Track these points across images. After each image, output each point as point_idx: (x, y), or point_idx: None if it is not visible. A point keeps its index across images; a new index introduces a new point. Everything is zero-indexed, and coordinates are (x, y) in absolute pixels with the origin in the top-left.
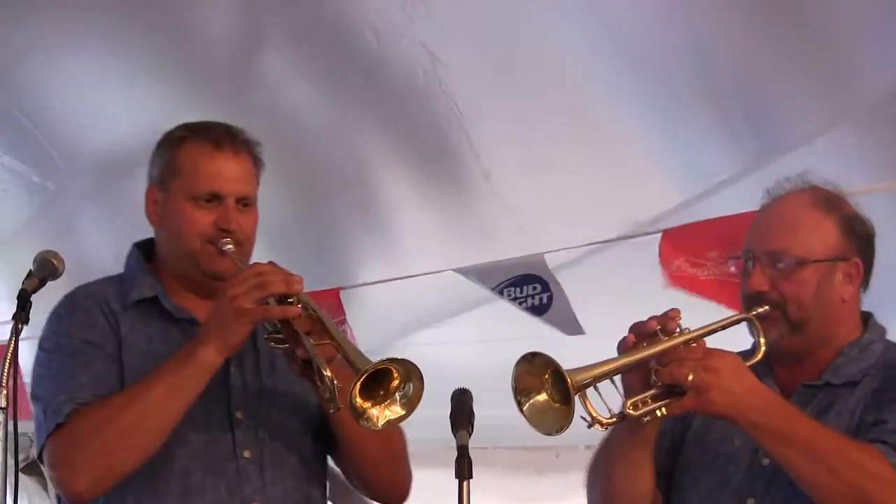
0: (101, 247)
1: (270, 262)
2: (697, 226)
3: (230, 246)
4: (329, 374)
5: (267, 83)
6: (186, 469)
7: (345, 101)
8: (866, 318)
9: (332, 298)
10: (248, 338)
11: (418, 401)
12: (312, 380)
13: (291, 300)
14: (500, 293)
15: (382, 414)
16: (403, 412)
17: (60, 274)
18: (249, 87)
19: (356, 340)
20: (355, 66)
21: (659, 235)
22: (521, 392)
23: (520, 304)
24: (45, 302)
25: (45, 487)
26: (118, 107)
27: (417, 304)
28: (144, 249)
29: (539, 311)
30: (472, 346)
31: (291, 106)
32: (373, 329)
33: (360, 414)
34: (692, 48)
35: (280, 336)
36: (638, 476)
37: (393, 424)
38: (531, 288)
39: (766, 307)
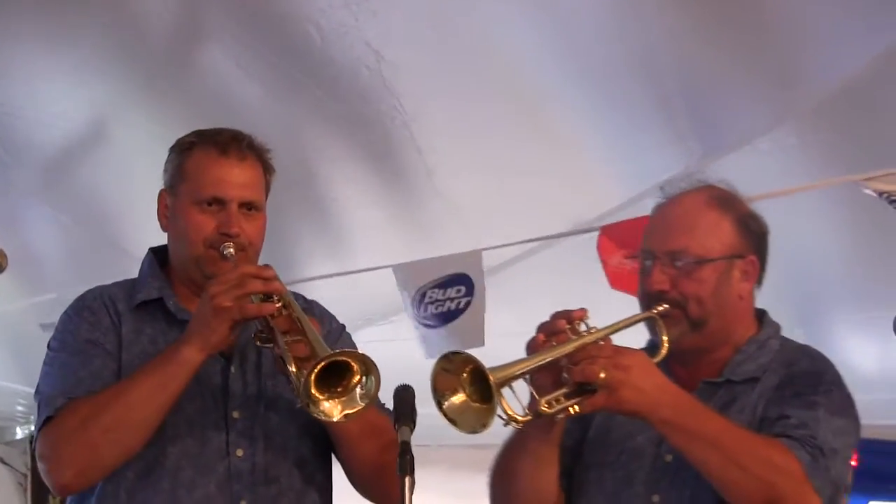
0: (47, 241)
1: (266, 265)
2: (636, 222)
3: (231, 250)
4: (294, 368)
5: (211, 79)
6: (178, 466)
7: (289, 98)
8: (760, 315)
9: None
10: (252, 339)
11: (376, 395)
12: (287, 376)
13: (272, 299)
14: (423, 296)
15: (338, 407)
16: (362, 405)
17: (3, 269)
18: (193, 82)
19: None
20: (299, 63)
21: (597, 233)
22: (439, 392)
23: (437, 307)
24: None
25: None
26: (62, 101)
27: (362, 302)
28: (160, 254)
29: (450, 317)
30: (416, 344)
31: (235, 102)
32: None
33: (313, 403)
34: (637, 48)
35: (265, 335)
36: (544, 474)
37: (351, 417)
38: (455, 290)
39: (666, 306)
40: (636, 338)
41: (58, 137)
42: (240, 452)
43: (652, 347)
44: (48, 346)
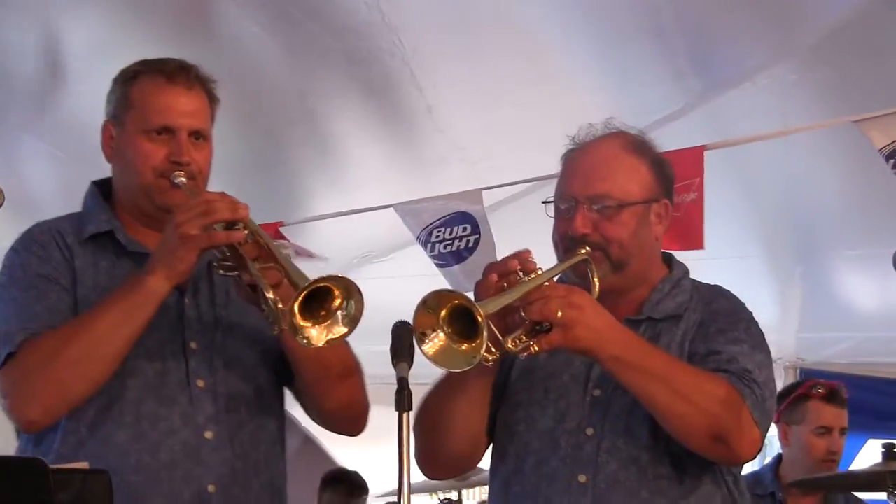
0: (42, 177)
1: (221, 193)
2: None
3: (182, 179)
4: (272, 295)
5: (208, 17)
6: (139, 398)
7: (288, 35)
8: (667, 257)
9: (273, 233)
10: (204, 270)
11: (359, 318)
12: (258, 304)
13: (238, 226)
14: (429, 234)
15: (324, 333)
16: (346, 330)
17: (0, 205)
18: (193, 21)
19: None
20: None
21: None
22: (420, 332)
23: (445, 246)
24: None
25: None
26: (56, 35)
27: (363, 239)
28: (103, 187)
29: (463, 255)
30: (418, 281)
31: (235, 40)
32: (318, 263)
33: (299, 332)
34: None
35: (229, 263)
36: (478, 415)
37: (335, 343)
38: (461, 229)
39: (588, 249)
40: None
41: (54, 72)
42: (201, 383)
43: (587, 290)
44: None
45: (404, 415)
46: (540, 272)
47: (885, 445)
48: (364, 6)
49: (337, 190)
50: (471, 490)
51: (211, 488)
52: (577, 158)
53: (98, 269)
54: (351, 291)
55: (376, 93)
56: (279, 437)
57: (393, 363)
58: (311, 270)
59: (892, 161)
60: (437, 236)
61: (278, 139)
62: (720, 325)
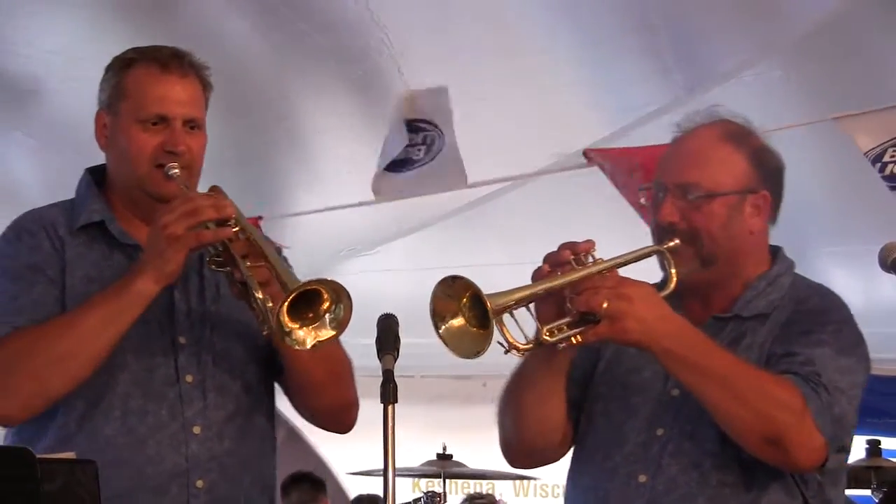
0: (25, 172)
1: (214, 187)
2: (622, 151)
3: (176, 170)
4: (260, 295)
5: (193, 11)
6: (127, 393)
7: (275, 31)
8: (775, 251)
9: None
10: (195, 264)
11: (348, 322)
12: (249, 302)
13: (230, 224)
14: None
15: (311, 335)
16: (333, 333)
17: None
18: (179, 15)
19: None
20: None
21: (586, 169)
22: (438, 315)
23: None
24: None
25: None
26: (38, 31)
27: (348, 233)
28: (97, 175)
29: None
30: (403, 275)
31: (222, 36)
32: (303, 257)
33: (286, 333)
34: None
35: (221, 260)
36: (549, 406)
37: (322, 346)
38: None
39: (678, 241)
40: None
41: (33, 66)
42: (189, 378)
43: (664, 282)
44: None
45: (389, 407)
46: (599, 262)
47: (869, 442)
48: (352, 3)
49: (321, 184)
50: (454, 482)
51: (199, 483)
52: (674, 146)
53: (89, 260)
54: (340, 295)
55: (362, 89)
56: (269, 433)
57: (378, 356)
58: (295, 265)
59: (877, 165)
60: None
61: (264, 135)
62: (805, 325)
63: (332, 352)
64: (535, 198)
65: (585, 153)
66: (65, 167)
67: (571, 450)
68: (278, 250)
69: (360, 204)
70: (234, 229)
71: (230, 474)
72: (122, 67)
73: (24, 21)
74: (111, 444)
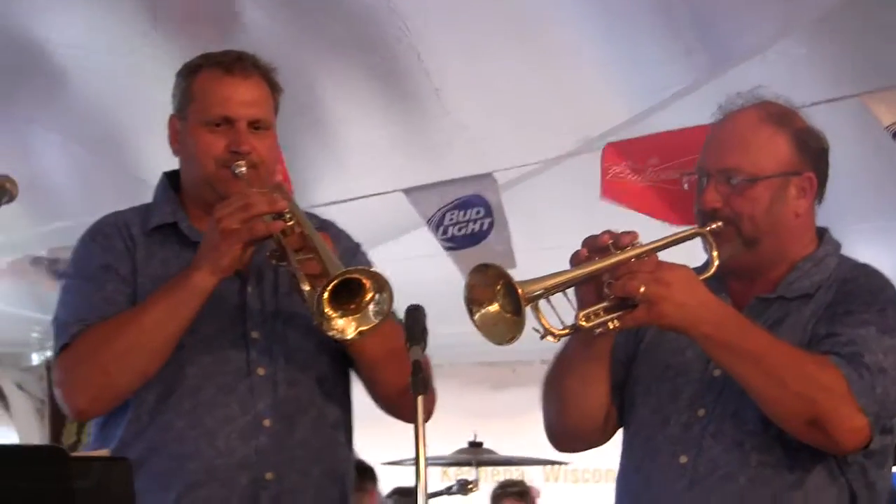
0: (55, 167)
1: (277, 183)
2: (642, 140)
3: (243, 168)
4: (307, 287)
5: (218, 3)
6: (198, 386)
7: (296, 21)
8: (821, 232)
9: None
10: (266, 258)
11: (390, 311)
12: (301, 295)
13: (284, 217)
14: (442, 217)
15: (353, 325)
16: (376, 321)
17: (14, 197)
18: (200, 6)
19: None
20: None
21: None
22: (474, 302)
23: (459, 229)
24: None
25: (6, 409)
26: (69, 25)
27: (372, 222)
28: (174, 179)
29: (477, 238)
30: (428, 262)
31: (241, 27)
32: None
33: (328, 321)
34: None
35: (279, 253)
36: (591, 390)
37: (365, 334)
38: (475, 212)
39: (720, 223)
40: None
41: (69, 64)
42: (261, 371)
43: (706, 265)
44: (64, 274)
45: (419, 397)
46: (638, 246)
47: None
48: None
49: (345, 174)
50: (484, 470)
51: (269, 476)
52: (715, 130)
53: (160, 260)
54: (382, 285)
55: (383, 77)
56: (343, 425)
57: (407, 346)
58: None
59: None
60: (451, 219)
61: (285, 125)
62: (850, 306)
63: (389, 331)
64: (559, 182)
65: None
66: (88, 158)
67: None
68: (356, 245)
69: (379, 194)
70: (289, 223)
71: (300, 466)
72: (190, 73)
73: (43, 14)
74: (182, 437)
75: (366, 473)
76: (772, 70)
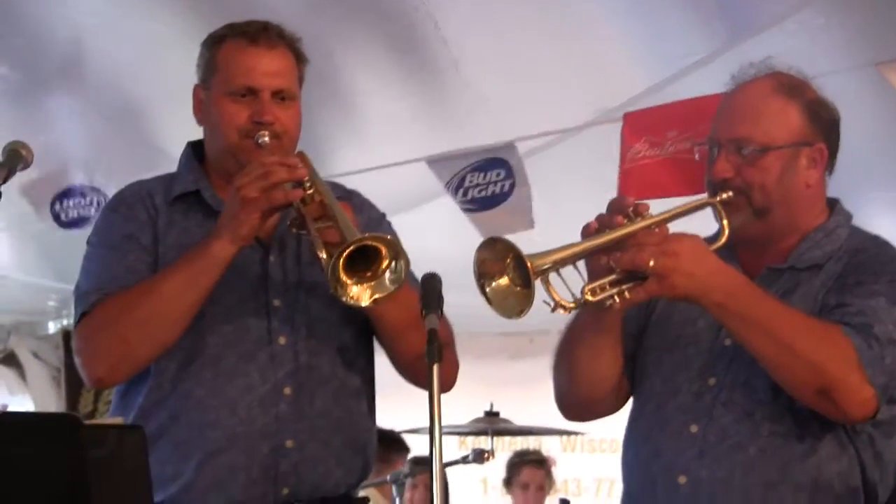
0: (71, 136)
1: (300, 153)
2: (660, 109)
3: (266, 139)
4: (324, 255)
5: None
6: (218, 355)
7: None
8: (832, 203)
9: None
10: (290, 228)
11: (406, 278)
12: (319, 262)
13: (304, 186)
14: (462, 179)
15: (368, 292)
16: (392, 289)
17: (29, 164)
18: None
19: None
20: None
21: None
22: (484, 276)
23: (479, 191)
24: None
25: (23, 377)
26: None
27: (391, 192)
28: (198, 149)
29: (497, 200)
30: (446, 233)
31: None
32: None
33: (343, 287)
34: None
35: (300, 222)
36: (601, 361)
37: (380, 302)
38: (495, 174)
39: (730, 193)
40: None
41: (87, 34)
42: (282, 340)
43: (717, 234)
44: (87, 242)
45: (434, 365)
46: (648, 217)
47: None
48: None
49: (365, 145)
50: (501, 439)
51: (289, 444)
52: (727, 101)
53: (182, 229)
54: (398, 252)
55: (401, 48)
56: (364, 395)
57: (423, 314)
58: None
59: None
60: (471, 181)
61: (305, 97)
62: (860, 276)
63: (408, 299)
64: (576, 153)
65: (625, 118)
66: (119, 138)
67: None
68: (381, 215)
69: (400, 163)
70: (309, 192)
71: (320, 435)
72: (214, 43)
73: None
74: (203, 405)
75: (393, 445)
76: (789, 40)
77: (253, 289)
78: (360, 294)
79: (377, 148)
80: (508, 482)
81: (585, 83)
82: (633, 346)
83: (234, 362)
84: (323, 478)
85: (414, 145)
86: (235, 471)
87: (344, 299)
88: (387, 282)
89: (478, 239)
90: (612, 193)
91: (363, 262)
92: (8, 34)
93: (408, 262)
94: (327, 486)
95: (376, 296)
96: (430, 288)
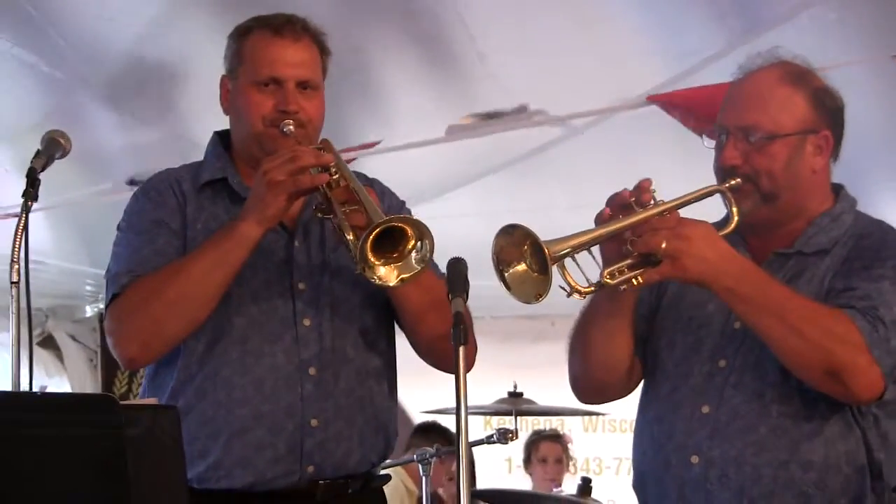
0: (110, 135)
1: (324, 140)
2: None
3: (291, 127)
4: (351, 236)
5: None
6: (244, 336)
7: None
8: (837, 189)
9: None
10: (314, 213)
11: (431, 258)
12: (346, 245)
13: (329, 171)
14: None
15: (395, 272)
16: (418, 269)
17: (68, 152)
18: None
19: None
20: None
21: (645, 108)
22: (502, 262)
23: None
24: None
25: (60, 360)
26: None
27: (415, 180)
28: (225, 138)
29: None
30: (470, 220)
31: None
32: None
33: (371, 268)
34: None
35: (325, 207)
36: (615, 344)
37: (407, 282)
38: None
39: (739, 179)
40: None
41: (121, 32)
42: (307, 321)
43: (726, 220)
44: (118, 228)
45: (460, 348)
46: (660, 203)
47: None
48: None
49: (391, 136)
50: (524, 419)
51: (314, 422)
52: (734, 89)
53: (209, 215)
54: (424, 233)
55: (428, 42)
56: (386, 374)
57: (448, 298)
58: None
59: None
60: None
61: (332, 90)
62: (865, 261)
63: (429, 281)
64: (597, 141)
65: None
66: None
67: (642, 384)
68: (402, 202)
69: (430, 142)
70: (335, 176)
71: (344, 414)
72: (241, 35)
73: None
74: (229, 384)
75: (428, 435)
76: (803, 34)
77: (279, 272)
78: (388, 274)
79: (403, 139)
80: (528, 460)
81: (606, 75)
82: (645, 329)
83: (260, 343)
84: (346, 456)
85: (440, 135)
86: (262, 448)
87: (371, 279)
88: (413, 262)
89: (499, 226)
90: (633, 180)
91: (389, 244)
92: (52, 34)
93: (433, 243)
94: (350, 464)
95: (403, 276)
96: (457, 272)
